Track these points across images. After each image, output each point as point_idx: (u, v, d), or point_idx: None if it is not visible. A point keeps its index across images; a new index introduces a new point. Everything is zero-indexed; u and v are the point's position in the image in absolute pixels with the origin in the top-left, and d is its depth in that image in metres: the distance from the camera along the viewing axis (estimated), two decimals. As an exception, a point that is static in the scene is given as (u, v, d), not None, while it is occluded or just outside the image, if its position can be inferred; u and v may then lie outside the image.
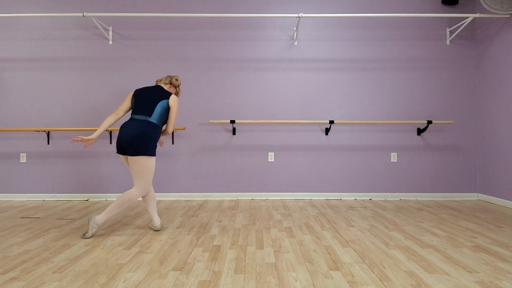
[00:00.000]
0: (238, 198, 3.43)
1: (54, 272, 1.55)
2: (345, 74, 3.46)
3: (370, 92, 3.45)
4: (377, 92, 3.45)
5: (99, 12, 3.43)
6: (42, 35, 3.45)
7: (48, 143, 3.43)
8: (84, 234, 2.09)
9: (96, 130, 3.30)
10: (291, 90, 3.45)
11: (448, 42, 3.45)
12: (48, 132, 3.43)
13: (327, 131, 3.43)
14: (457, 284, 1.43)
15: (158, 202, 3.28)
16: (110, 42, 3.44)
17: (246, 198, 3.43)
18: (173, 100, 2.23)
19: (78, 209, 2.95)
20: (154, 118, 2.15)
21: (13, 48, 3.45)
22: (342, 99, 3.45)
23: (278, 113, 3.45)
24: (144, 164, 2.07)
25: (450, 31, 3.45)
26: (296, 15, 3.09)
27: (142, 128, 2.06)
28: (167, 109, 2.22)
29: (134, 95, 2.22)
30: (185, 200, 3.36)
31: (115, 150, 3.43)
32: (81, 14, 3.06)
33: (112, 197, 3.41)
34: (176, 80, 2.38)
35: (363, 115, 3.45)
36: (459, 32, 3.44)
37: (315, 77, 3.46)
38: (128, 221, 2.53)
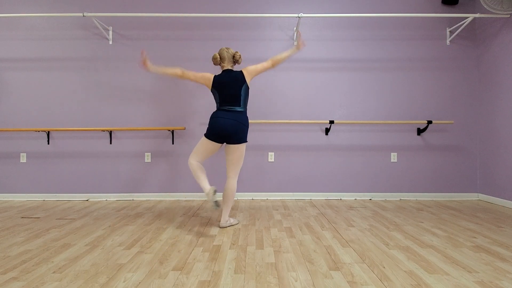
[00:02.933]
0: (238, 198, 3.43)
1: (54, 272, 1.55)
2: (345, 74, 3.46)
3: (370, 92, 3.45)
4: (377, 92, 3.45)
5: (99, 12, 3.43)
6: (42, 35, 3.45)
7: (48, 143, 3.43)
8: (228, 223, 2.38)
9: (96, 130, 3.31)
10: (291, 90, 3.45)
11: (448, 42, 3.45)
12: (48, 132, 3.43)
13: (327, 131, 3.43)
14: (457, 284, 1.43)
15: (159, 202, 3.28)
16: (110, 42, 3.44)
17: (246, 198, 3.43)
18: (247, 73, 2.32)
19: (78, 209, 2.95)
20: (243, 106, 2.31)
21: (13, 48, 3.45)
22: (342, 99, 3.45)
23: (278, 113, 3.45)
24: (243, 151, 2.32)
25: (450, 31, 3.45)
26: (296, 15, 3.10)
27: (240, 118, 2.26)
28: (247, 90, 2.32)
29: (214, 86, 2.30)
30: (185, 200, 3.36)
31: (114, 150, 3.43)
32: (81, 14, 3.06)
33: (112, 197, 3.41)
34: (240, 56, 2.36)
35: (363, 115, 3.45)
36: (459, 32, 3.44)
37: (315, 77, 3.46)
38: (128, 221, 2.53)
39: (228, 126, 2.22)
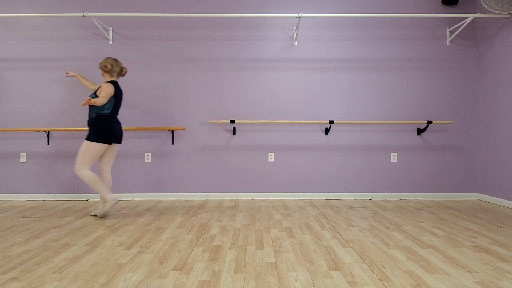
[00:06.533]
0: (238, 198, 3.43)
1: (54, 272, 1.55)
2: (345, 74, 3.46)
3: (370, 92, 3.45)
4: (377, 92, 3.45)
5: (99, 12, 3.43)
6: (42, 35, 3.45)
7: (48, 143, 3.43)
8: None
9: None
10: (291, 90, 3.45)
11: (448, 42, 3.45)
12: (48, 132, 3.43)
13: (327, 131, 3.43)
14: (457, 284, 1.43)
15: (159, 202, 3.28)
16: (110, 42, 3.44)
17: (246, 198, 3.43)
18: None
19: (78, 209, 2.95)
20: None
21: (13, 48, 3.45)
22: (342, 99, 3.45)
23: (278, 113, 3.45)
24: None
25: (450, 31, 3.45)
26: (296, 15, 3.09)
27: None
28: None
29: (115, 95, 2.61)
30: (185, 200, 3.36)
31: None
32: (81, 14, 3.06)
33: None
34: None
35: (363, 115, 3.45)
36: (459, 32, 3.44)
37: (315, 77, 3.46)
38: (128, 221, 2.53)
39: (121, 130, 2.70)
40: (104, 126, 2.55)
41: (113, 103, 2.60)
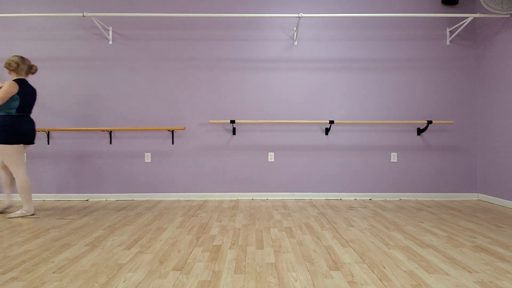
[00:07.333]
0: (238, 198, 3.43)
1: (54, 272, 1.55)
2: (345, 74, 3.46)
3: (370, 92, 3.45)
4: (377, 92, 3.45)
5: (99, 12, 3.43)
6: (42, 35, 3.45)
7: (48, 143, 3.43)
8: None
9: (96, 130, 3.30)
10: (291, 90, 3.45)
11: (448, 42, 3.45)
12: (48, 132, 3.43)
13: (327, 131, 3.43)
14: (457, 284, 1.43)
15: (159, 202, 3.28)
16: (110, 42, 3.44)
17: (246, 198, 3.43)
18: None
19: (78, 209, 2.95)
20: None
21: (13, 48, 3.45)
22: (342, 99, 3.45)
23: (278, 113, 3.45)
24: None
25: (450, 31, 3.45)
26: (296, 15, 3.09)
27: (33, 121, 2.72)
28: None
29: (19, 93, 2.55)
30: (185, 200, 3.36)
31: (114, 150, 3.42)
32: (81, 14, 3.06)
33: (112, 197, 3.41)
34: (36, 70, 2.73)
35: (363, 115, 3.45)
36: (459, 32, 3.44)
37: (315, 77, 3.46)
38: (128, 221, 2.53)
39: (34, 130, 2.67)
40: (10, 126, 2.49)
41: (18, 102, 2.53)
